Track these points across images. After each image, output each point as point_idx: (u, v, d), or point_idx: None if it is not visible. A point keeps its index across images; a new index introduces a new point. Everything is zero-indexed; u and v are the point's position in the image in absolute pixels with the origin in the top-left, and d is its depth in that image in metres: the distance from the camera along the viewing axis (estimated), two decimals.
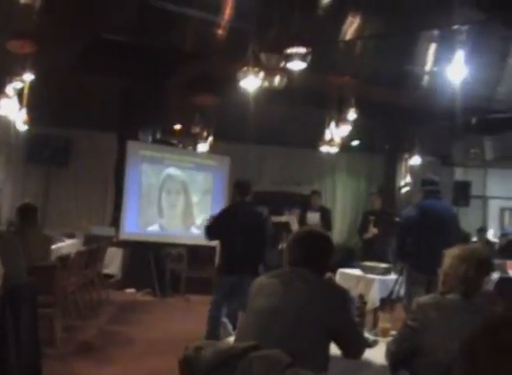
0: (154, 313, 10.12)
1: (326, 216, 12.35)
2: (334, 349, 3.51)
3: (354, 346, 3.59)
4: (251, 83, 7.19)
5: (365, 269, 8.94)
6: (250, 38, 6.80)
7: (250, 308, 3.50)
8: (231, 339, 3.72)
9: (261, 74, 7.02)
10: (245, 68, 6.95)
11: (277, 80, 7.53)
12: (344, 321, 3.46)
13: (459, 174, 17.42)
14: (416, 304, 3.52)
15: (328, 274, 3.88)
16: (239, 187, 7.80)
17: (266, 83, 7.46)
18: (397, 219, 9.30)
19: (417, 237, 7.68)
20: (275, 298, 3.38)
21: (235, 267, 7.43)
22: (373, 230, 11.87)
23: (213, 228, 7.66)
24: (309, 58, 6.68)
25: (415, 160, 16.01)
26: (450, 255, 3.56)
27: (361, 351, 3.61)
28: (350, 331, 3.53)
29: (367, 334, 4.34)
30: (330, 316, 3.37)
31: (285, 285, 3.45)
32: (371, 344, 4.07)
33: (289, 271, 3.58)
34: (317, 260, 3.59)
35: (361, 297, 4.59)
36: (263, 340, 3.12)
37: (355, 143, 15.51)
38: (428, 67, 10.47)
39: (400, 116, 14.22)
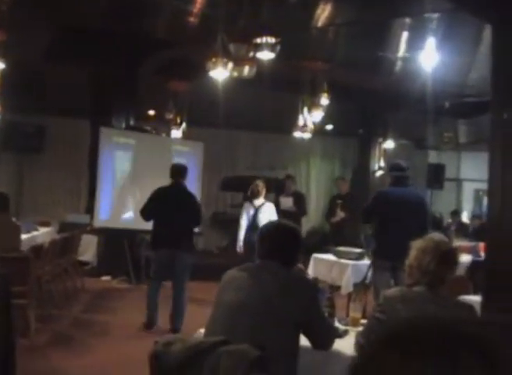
0: (130, 300, 10.09)
1: (300, 200, 12.41)
2: (304, 341, 3.54)
3: (323, 338, 3.63)
4: (220, 73, 7.19)
5: (339, 255, 8.96)
6: (219, 28, 6.77)
7: (219, 301, 3.52)
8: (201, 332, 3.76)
9: (230, 65, 6.99)
10: (214, 59, 6.92)
11: (246, 70, 7.56)
12: (313, 314, 3.50)
13: (433, 157, 17.55)
14: (383, 296, 3.57)
15: (299, 266, 3.94)
16: (172, 170, 8.48)
17: (235, 74, 7.50)
18: None
19: (379, 224, 7.75)
20: (243, 292, 3.42)
21: (168, 243, 8.05)
22: (340, 214, 12.04)
23: (146, 209, 8.36)
24: (278, 47, 6.72)
25: (389, 144, 16.16)
26: (415, 246, 3.57)
27: (331, 343, 3.65)
28: (319, 323, 3.56)
29: (337, 324, 4.41)
30: (299, 308, 3.40)
31: (253, 278, 3.49)
32: (342, 335, 4.13)
33: (258, 264, 3.63)
34: (285, 253, 3.62)
35: (331, 287, 4.66)
36: (232, 334, 3.18)
37: (329, 127, 15.60)
38: (400, 53, 10.53)
39: (373, 101, 14.34)
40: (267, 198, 10.47)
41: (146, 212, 8.40)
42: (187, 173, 8.62)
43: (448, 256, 3.52)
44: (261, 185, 10.19)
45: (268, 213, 9.90)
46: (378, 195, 7.89)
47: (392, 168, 8.10)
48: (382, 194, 7.91)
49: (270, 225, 3.90)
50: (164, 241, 8.14)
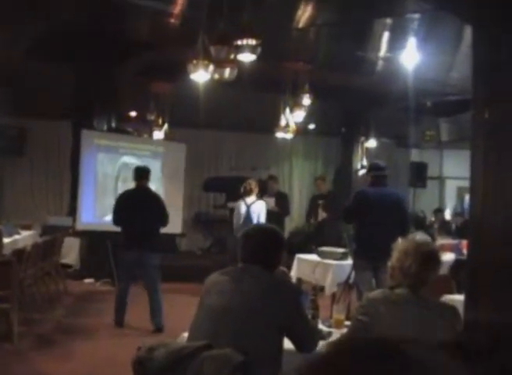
0: (114, 303, 10.01)
1: (283, 200, 12.44)
2: (288, 344, 3.56)
3: (307, 341, 3.64)
4: (202, 76, 7.21)
5: (322, 255, 8.95)
6: (200, 30, 6.77)
7: (202, 306, 3.53)
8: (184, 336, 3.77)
9: (211, 67, 7.05)
10: (195, 61, 6.95)
11: (227, 72, 7.51)
12: (296, 317, 3.50)
13: (415, 156, 17.65)
14: (365, 298, 3.58)
15: (282, 268, 3.94)
16: (135, 173, 8.73)
17: (216, 76, 7.47)
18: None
19: (359, 223, 7.81)
20: (226, 296, 3.42)
21: (135, 244, 8.26)
22: (322, 214, 12.05)
23: (115, 213, 8.62)
24: (259, 49, 6.72)
25: (371, 143, 16.27)
26: (397, 248, 3.58)
27: (314, 346, 3.66)
28: (303, 327, 3.57)
29: (321, 326, 4.43)
30: (282, 312, 3.41)
31: (236, 282, 3.49)
32: (325, 337, 4.15)
33: (241, 268, 3.64)
34: (267, 256, 3.64)
35: (315, 288, 4.67)
36: (215, 338, 3.18)
37: (311, 127, 15.60)
38: (382, 53, 10.60)
39: (355, 100, 14.42)
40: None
41: (113, 216, 8.65)
42: (150, 175, 8.87)
43: (429, 258, 3.52)
44: (253, 184, 10.48)
45: (258, 211, 10.21)
46: (358, 195, 7.92)
47: (370, 168, 8.19)
48: (361, 193, 7.94)
49: (251, 229, 3.91)
50: (132, 243, 8.33)
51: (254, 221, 9.93)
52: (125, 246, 8.49)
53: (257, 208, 10.27)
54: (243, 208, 10.32)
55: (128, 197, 8.65)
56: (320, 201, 12.22)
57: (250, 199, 10.32)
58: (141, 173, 8.69)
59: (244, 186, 10.44)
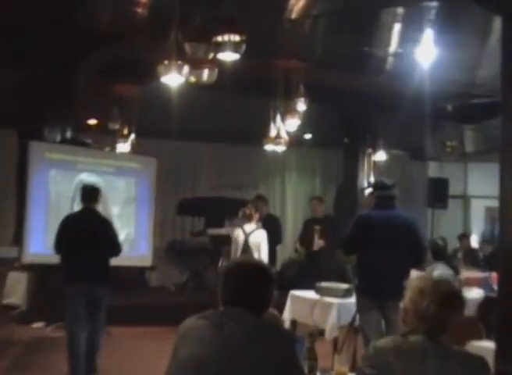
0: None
1: (274, 225, 12.40)
2: None
3: None
4: (174, 79, 7.21)
5: (321, 291, 8.94)
6: (172, 24, 6.79)
7: (176, 357, 3.49)
8: None
9: (186, 68, 7.03)
10: (166, 61, 6.92)
11: (206, 74, 7.58)
12: (289, 370, 3.44)
13: (433, 170, 17.74)
14: (373, 347, 3.53)
15: (271, 311, 3.91)
16: (82, 194, 8.86)
17: (193, 79, 7.50)
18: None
19: (361, 254, 7.81)
20: (204, 346, 3.37)
21: (79, 277, 8.33)
22: (319, 243, 12.07)
23: (57, 240, 8.59)
24: (244, 46, 6.70)
25: (380, 156, 16.26)
26: (410, 286, 3.57)
27: None
28: None
29: None
30: (271, 364, 3.36)
31: (216, 329, 3.43)
32: None
33: (222, 312, 3.59)
34: (253, 297, 3.60)
35: (312, 334, 4.64)
36: None
37: (307, 137, 15.61)
38: (392, 48, 10.63)
39: (360, 105, 14.46)
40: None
41: (55, 243, 8.64)
42: (100, 196, 8.95)
43: (451, 299, 3.50)
44: (253, 208, 10.78)
45: (257, 242, 10.44)
46: (359, 220, 7.94)
47: (375, 186, 8.28)
48: (362, 218, 7.97)
49: (234, 263, 3.91)
50: (76, 276, 8.37)
51: (254, 254, 10.16)
52: (67, 280, 8.48)
53: (256, 239, 10.45)
54: (240, 238, 10.50)
55: (72, 221, 8.73)
56: (316, 227, 12.19)
57: (250, 227, 10.52)
58: (89, 194, 8.82)
59: (243, 210, 10.67)
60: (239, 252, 10.42)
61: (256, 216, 10.69)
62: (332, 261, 12.02)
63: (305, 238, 12.74)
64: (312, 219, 12.93)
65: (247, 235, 10.47)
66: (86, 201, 8.75)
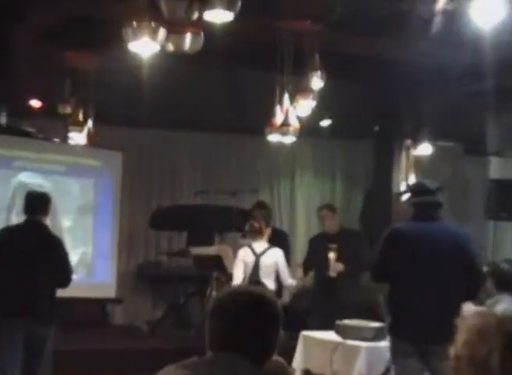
0: None
1: (281, 242, 11.95)
2: None
3: None
4: (146, 46, 7.32)
5: (344, 332, 8.89)
6: None
7: None
8: None
9: (162, 32, 7.11)
10: (135, 22, 6.96)
11: (188, 40, 7.72)
12: None
13: (496, 170, 17.53)
14: None
15: (277, 359, 3.73)
16: (26, 203, 8.81)
17: (171, 47, 7.69)
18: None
19: (394, 282, 7.69)
20: None
21: (18, 309, 8.24)
22: (337, 266, 11.56)
23: None
24: (239, 3, 6.77)
25: (423, 149, 15.79)
26: (464, 326, 3.31)
27: None
28: None
29: None
30: None
31: None
32: None
33: (209, 360, 3.44)
34: (252, 340, 3.45)
35: None
36: None
37: (325, 124, 15.40)
38: (438, 4, 10.01)
39: (395, 80, 13.99)
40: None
41: None
42: (50, 206, 8.94)
43: None
44: (263, 221, 10.75)
45: (272, 264, 10.41)
46: (390, 236, 7.76)
47: (412, 191, 8.23)
48: (395, 232, 7.81)
49: (226, 295, 3.65)
50: (12, 310, 8.29)
51: (266, 281, 10.15)
52: (3, 313, 8.34)
53: (271, 260, 10.39)
54: (249, 259, 10.43)
55: (9, 237, 8.74)
56: (331, 245, 11.66)
57: (261, 245, 10.46)
58: (34, 203, 8.81)
59: (251, 224, 10.67)
60: (247, 278, 10.33)
61: (267, 231, 10.59)
62: (354, 291, 11.75)
63: (314, 262, 12.29)
64: (322, 234, 12.57)
65: (257, 256, 10.37)
66: (30, 211, 8.70)
